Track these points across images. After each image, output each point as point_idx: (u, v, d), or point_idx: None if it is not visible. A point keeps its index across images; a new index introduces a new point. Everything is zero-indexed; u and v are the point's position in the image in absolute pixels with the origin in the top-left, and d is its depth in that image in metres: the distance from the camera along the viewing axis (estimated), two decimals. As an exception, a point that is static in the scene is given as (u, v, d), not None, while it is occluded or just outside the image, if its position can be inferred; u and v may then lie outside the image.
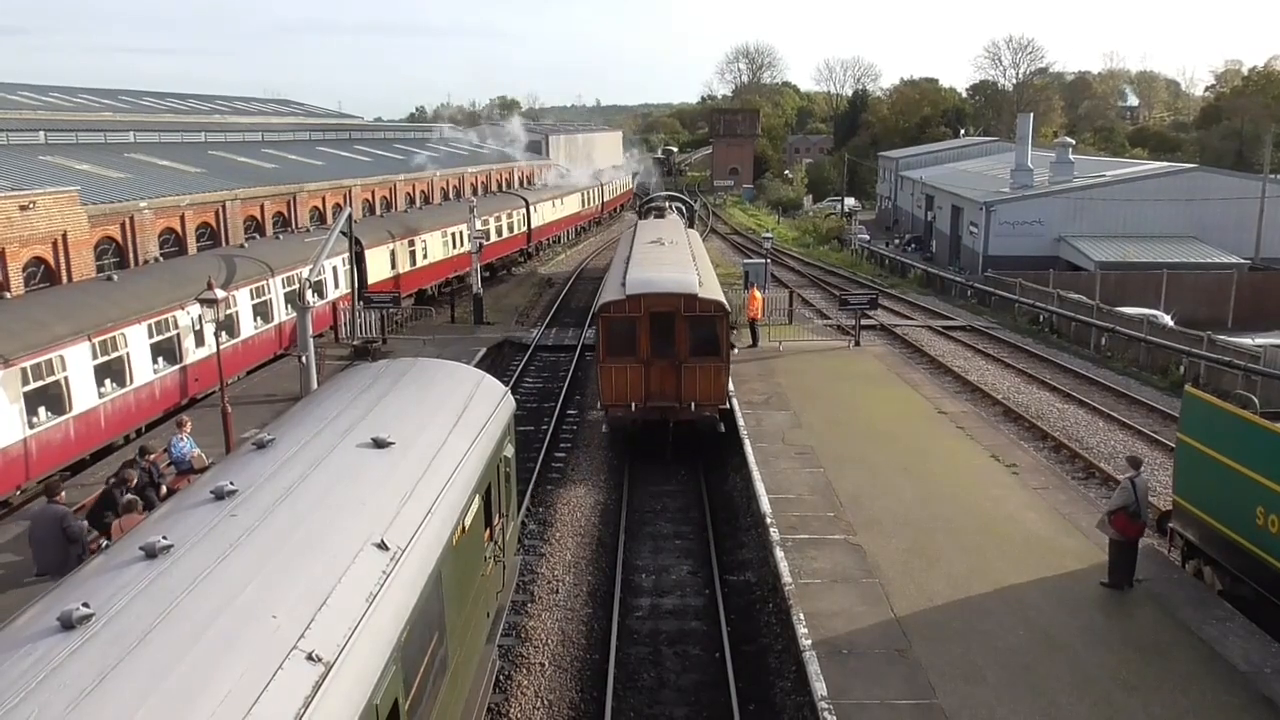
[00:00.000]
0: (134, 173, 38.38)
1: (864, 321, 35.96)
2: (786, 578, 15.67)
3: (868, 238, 78.79)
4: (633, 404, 23.62)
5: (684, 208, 56.07)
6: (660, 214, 46.89)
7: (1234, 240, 53.27)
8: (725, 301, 24.02)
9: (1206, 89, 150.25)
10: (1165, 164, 67.54)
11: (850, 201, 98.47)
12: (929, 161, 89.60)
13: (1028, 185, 60.73)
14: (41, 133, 41.04)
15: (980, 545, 16.81)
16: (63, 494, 14.98)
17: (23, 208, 27.18)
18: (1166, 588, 15.35)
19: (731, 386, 25.84)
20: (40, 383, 19.96)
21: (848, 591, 15.20)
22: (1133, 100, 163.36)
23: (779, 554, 16.53)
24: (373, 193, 54.64)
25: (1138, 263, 49.67)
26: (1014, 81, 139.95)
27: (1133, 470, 15.46)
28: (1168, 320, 38.77)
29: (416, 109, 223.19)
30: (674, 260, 27.54)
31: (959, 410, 26.20)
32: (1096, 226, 54.60)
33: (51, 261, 28.64)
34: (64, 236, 28.79)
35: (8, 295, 24.68)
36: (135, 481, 15.60)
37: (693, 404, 23.61)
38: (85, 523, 14.13)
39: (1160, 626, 14.13)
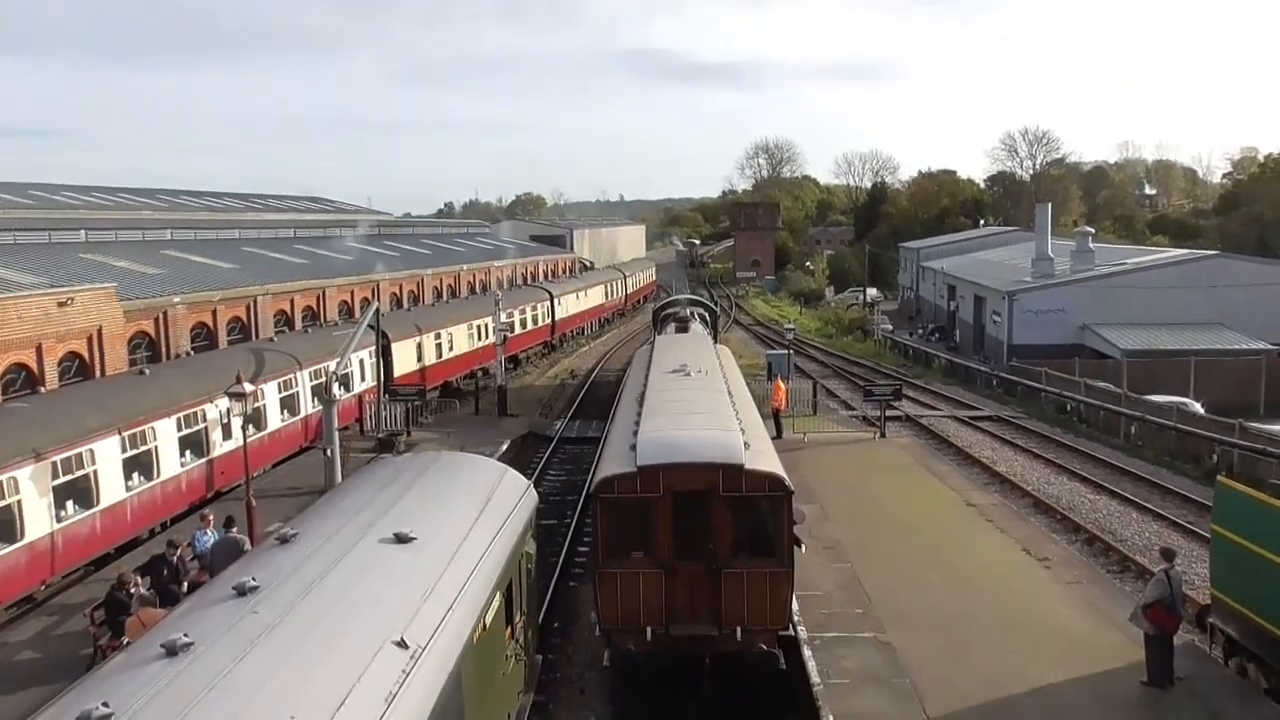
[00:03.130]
0: (169, 269, 39.23)
1: (889, 412, 35.78)
2: (815, 678, 15.32)
3: (890, 328, 78.88)
4: (648, 630, 15.47)
5: (707, 315, 46.09)
6: (683, 326, 37.70)
7: (1260, 325, 52.84)
8: (785, 475, 15.84)
9: (1223, 176, 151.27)
10: (1187, 251, 67.56)
11: (872, 292, 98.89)
12: (950, 251, 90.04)
13: (1049, 274, 60.81)
14: (83, 231, 42.14)
15: (1014, 642, 16.42)
16: (236, 527, 17.80)
17: (61, 304, 27.79)
18: (1208, 686, 14.89)
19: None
20: (70, 476, 20.10)
21: (878, 692, 14.83)
22: (1150, 189, 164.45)
23: (806, 652, 16.19)
24: (400, 286, 55.51)
25: (1164, 350, 49.33)
26: (1031, 172, 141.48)
27: (1166, 562, 15.19)
28: (1198, 408, 38.34)
29: (445, 204, 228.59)
30: (706, 405, 18.77)
31: (988, 502, 25.87)
32: (1120, 314, 54.41)
33: (86, 356, 29.13)
34: (99, 331, 29.33)
35: (42, 390, 25.07)
36: (147, 582, 15.76)
37: (738, 630, 15.42)
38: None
39: (1203, 727, 13.67)
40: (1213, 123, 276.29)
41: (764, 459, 16.31)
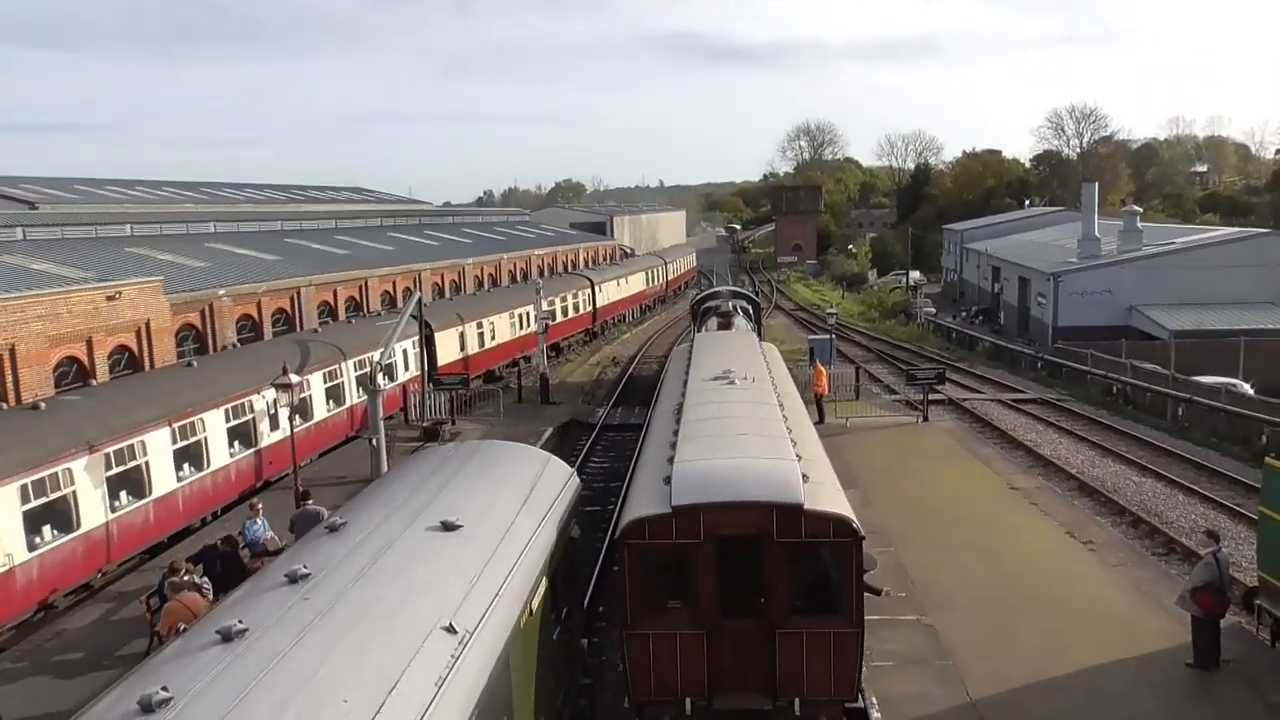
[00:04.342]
0: (214, 261, 39.88)
1: (932, 396, 35.57)
2: (858, 660, 15.35)
3: (934, 311, 78.25)
4: (687, 702, 12.97)
5: (750, 308, 42.71)
6: (725, 321, 35.03)
7: (1314, 306, 51.85)
8: (853, 515, 12.91)
9: (1277, 151, 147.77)
10: (1238, 229, 66.27)
11: (915, 274, 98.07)
12: (994, 233, 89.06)
13: (1096, 255, 60.02)
14: (128, 225, 42.95)
15: (1058, 625, 16.36)
16: (312, 499, 18.90)
17: (109, 298, 28.39)
18: (1256, 668, 14.77)
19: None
20: (122, 467, 20.55)
21: (922, 674, 14.86)
22: (1202, 166, 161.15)
23: (849, 635, 16.20)
24: (442, 276, 55.96)
25: (1213, 330, 48.52)
26: (1078, 151, 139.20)
27: (1213, 544, 15.10)
28: (1247, 389, 37.71)
29: (484, 192, 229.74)
30: (755, 424, 15.83)
31: (1032, 485, 25.70)
32: (1168, 294, 53.59)
33: (135, 349, 29.74)
34: (147, 325, 29.94)
35: (94, 383, 25.65)
36: (199, 570, 16.26)
37: (797, 703, 12.87)
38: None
39: (1249, 709, 13.57)
40: (1266, 96, 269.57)
41: (827, 495, 13.39)
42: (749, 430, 15.32)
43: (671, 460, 13.79)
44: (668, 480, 13.17)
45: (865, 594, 12.95)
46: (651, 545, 12.83)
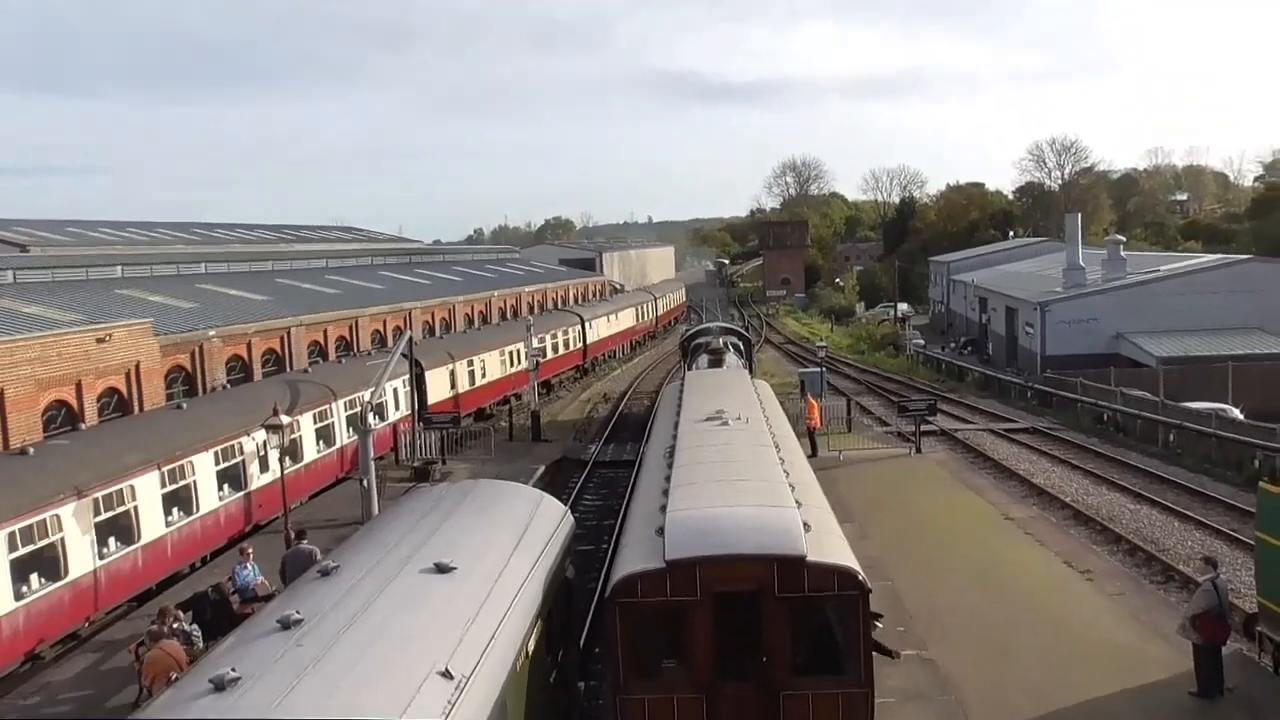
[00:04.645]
0: (204, 302, 39.79)
1: (924, 427, 35.56)
2: (857, 696, 15.18)
3: (922, 342, 78.46)
4: None
5: (740, 344, 42.77)
6: (716, 359, 34.81)
7: (1299, 329, 52.16)
8: (858, 567, 12.13)
9: (1255, 179, 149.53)
10: (1220, 256, 66.83)
11: (903, 307, 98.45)
12: (980, 264, 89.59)
13: (1081, 284, 60.37)
14: (119, 267, 42.95)
15: (1059, 656, 16.23)
16: (306, 539, 18.79)
17: (100, 340, 28.27)
18: (1260, 696, 14.67)
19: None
20: (111, 513, 20.30)
21: (923, 710, 14.70)
22: (1182, 195, 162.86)
23: (848, 670, 16.05)
24: (432, 314, 55.92)
25: (1200, 356, 48.73)
26: (1060, 182, 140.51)
27: (1211, 570, 15.05)
28: (1237, 414, 37.81)
29: (474, 230, 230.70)
30: (751, 468, 15.09)
31: (1027, 515, 25.63)
32: (1154, 321, 53.87)
33: (124, 391, 29.57)
34: (137, 367, 29.80)
35: (83, 426, 25.47)
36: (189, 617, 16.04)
37: None
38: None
39: (1256, 741, 13.46)
40: (1243, 125, 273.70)
41: (830, 545, 12.53)
42: (745, 475, 14.52)
43: (664, 509, 12.97)
44: (660, 531, 12.33)
45: (878, 654, 12.25)
46: (644, 604, 12.00)
